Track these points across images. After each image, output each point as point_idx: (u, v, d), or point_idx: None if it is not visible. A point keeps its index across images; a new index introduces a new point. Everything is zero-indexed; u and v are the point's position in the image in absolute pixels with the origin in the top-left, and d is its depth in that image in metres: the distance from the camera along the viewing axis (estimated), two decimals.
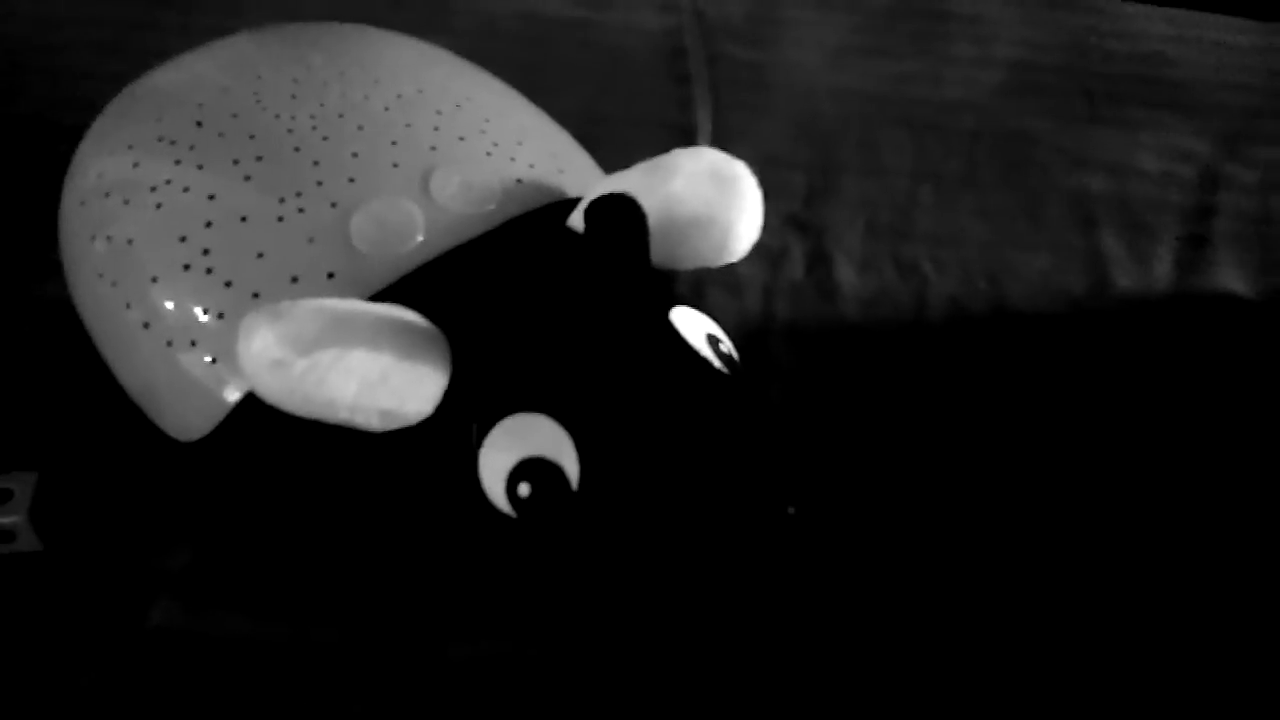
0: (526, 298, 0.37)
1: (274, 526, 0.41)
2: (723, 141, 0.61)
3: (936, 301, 0.55)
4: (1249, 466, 0.48)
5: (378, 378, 0.33)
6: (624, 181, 0.39)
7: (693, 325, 0.37)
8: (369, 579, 0.40)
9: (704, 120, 0.63)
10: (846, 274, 0.56)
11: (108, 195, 0.42)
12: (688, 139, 0.62)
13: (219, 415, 0.39)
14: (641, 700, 0.38)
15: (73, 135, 0.47)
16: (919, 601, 0.42)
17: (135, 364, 0.41)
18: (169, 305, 0.39)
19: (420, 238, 0.39)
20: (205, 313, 0.39)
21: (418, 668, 0.38)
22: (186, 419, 0.40)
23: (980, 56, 0.69)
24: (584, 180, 0.45)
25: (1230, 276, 0.57)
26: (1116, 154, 0.63)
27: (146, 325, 0.40)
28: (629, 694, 0.38)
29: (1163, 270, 0.57)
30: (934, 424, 0.49)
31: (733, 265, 0.54)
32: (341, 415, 0.33)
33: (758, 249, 0.55)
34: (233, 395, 0.38)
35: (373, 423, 0.34)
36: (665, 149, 0.39)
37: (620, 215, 0.36)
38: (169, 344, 0.39)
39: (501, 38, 0.66)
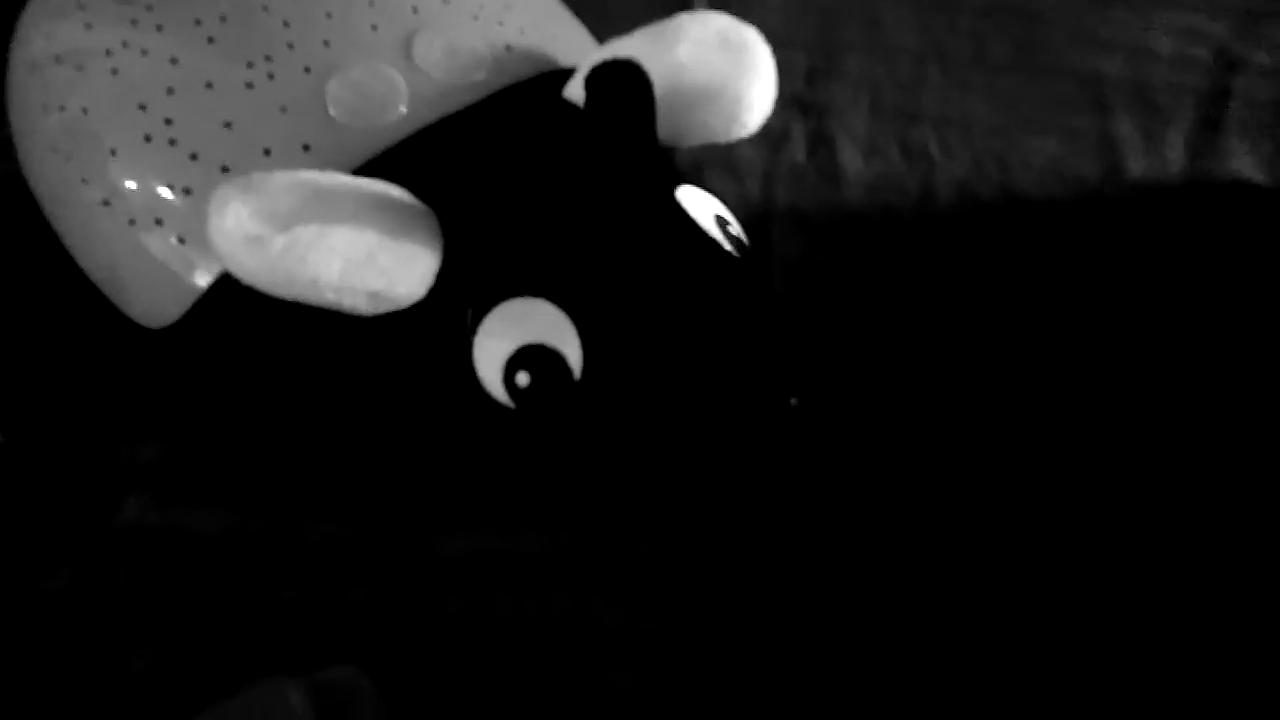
0: (522, 173, 0.34)
1: (253, 417, 0.38)
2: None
3: (944, 187, 0.52)
4: (1256, 351, 0.47)
5: (364, 256, 0.30)
6: (625, 48, 0.36)
7: (700, 205, 0.35)
8: (355, 471, 0.38)
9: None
10: (850, 157, 0.53)
11: (58, 61, 0.39)
12: (685, 7, 0.58)
13: (189, 300, 0.36)
14: (633, 597, 0.37)
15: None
16: (918, 499, 0.41)
17: (96, 245, 0.38)
18: (130, 181, 0.36)
19: (403, 108, 0.36)
20: (170, 189, 0.36)
21: (404, 562, 0.37)
22: (154, 304, 0.37)
23: None
24: (578, 49, 0.42)
25: (1244, 163, 0.55)
26: (1130, 35, 0.60)
27: (106, 203, 0.37)
28: (620, 592, 0.37)
29: (1175, 155, 0.55)
30: (940, 312, 0.47)
31: (732, 148, 0.52)
32: (326, 296, 0.30)
33: (758, 131, 0.53)
34: (203, 278, 0.35)
35: (360, 305, 0.31)
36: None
37: (624, 83, 0.33)
38: (131, 223, 0.36)
39: None
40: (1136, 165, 0.54)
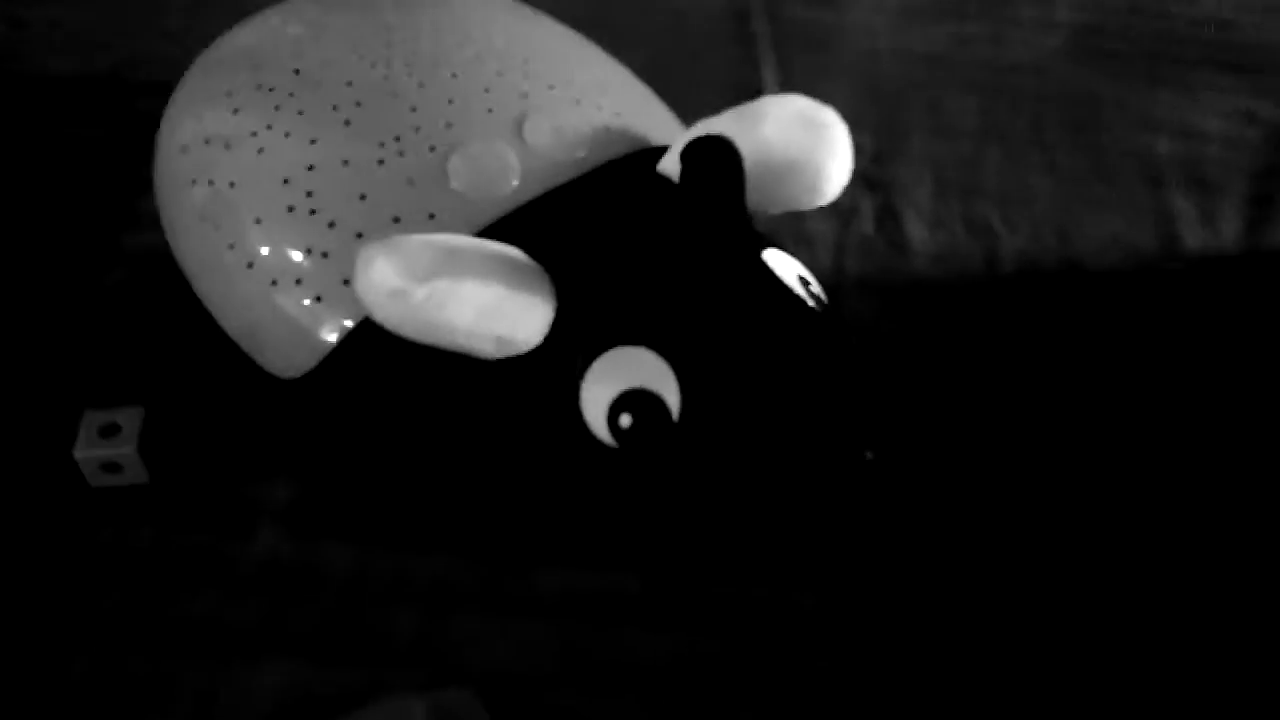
0: (623, 237, 0.38)
1: (376, 459, 0.42)
2: None
3: (1007, 257, 0.55)
4: None
5: (493, 305, 0.34)
6: (715, 126, 0.40)
7: (785, 266, 0.38)
8: (471, 509, 0.41)
9: (770, 81, 0.64)
10: (917, 230, 0.56)
11: (208, 142, 0.43)
12: (754, 99, 0.62)
13: (321, 352, 0.40)
14: (722, 635, 0.39)
15: (151, 90, 0.49)
16: (985, 552, 0.43)
17: (237, 304, 0.42)
18: (272, 246, 0.40)
19: (516, 181, 0.40)
20: (309, 252, 0.40)
21: (507, 595, 0.39)
22: (288, 356, 0.41)
23: (1042, 18, 0.69)
24: (667, 130, 0.46)
25: None
26: (1181, 115, 0.64)
27: (250, 266, 0.41)
28: (712, 630, 0.39)
29: (1231, 230, 0.57)
30: (1007, 378, 0.50)
31: (804, 221, 0.56)
32: (459, 340, 0.34)
33: (829, 206, 0.56)
34: (334, 333, 0.39)
35: (488, 349, 0.35)
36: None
37: (717, 156, 0.37)
38: (273, 283, 0.40)
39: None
40: (1193, 238, 0.57)
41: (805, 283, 0.39)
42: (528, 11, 0.50)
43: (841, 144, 0.40)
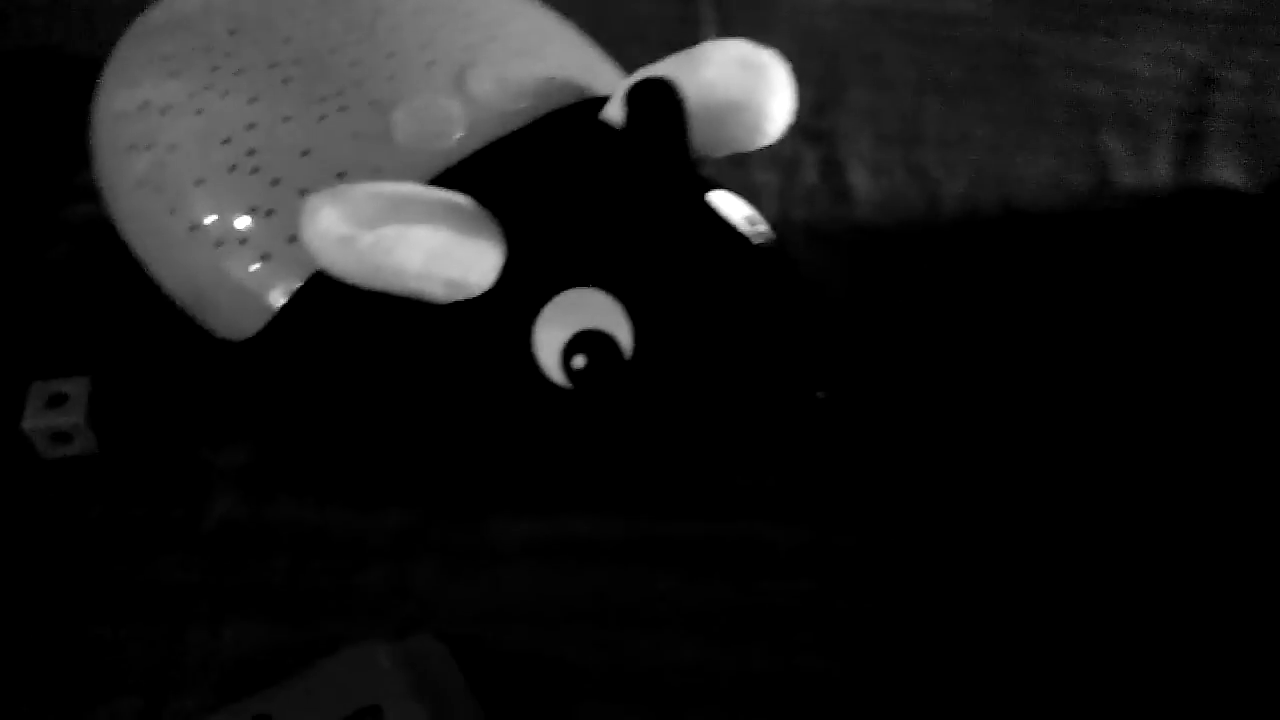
0: (570, 182, 0.38)
1: (329, 415, 0.42)
2: None
3: (948, 202, 0.56)
4: (1245, 351, 0.50)
5: (441, 249, 0.34)
6: (656, 71, 0.40)
7: (731, 206, 0.39)
8: (428, 460, 0.41)
9: (711, 37, 0.64)
10: (859, 178, 0.57)
11: (144, 107, 0.43)
12: None
13: (270, 312, 0.40)
14: (685, 572, 0.40)
15: (83, 63, 0.48)
16: (925, 490, 0.44)
17: (182, 269, 0.42)
18: (215, 208, 0.40)
19: (461, 133, 0.40)
20: (253, 211, 0.39)
21: (463, 549, 0.40)
22: (237, 318, 0.41)
23: None
24: (610, 80, 0.46)
25: (1225, 172, 0.59)
26: (1111, 60, 0.65)
27: (193, 229, 0.40)
28: (670, 566, 0.40)
29: (1162, 167, 0.59)
30: (948, 316, 0.51)
31: (749, 173, 0.56)
32: (410, 284, 0.34)
33: (772, 157, 0.57)
34: (283, 292, 0.39)
35: (438, 292, 0.35)
36: None
37: (660, 98, 0.37)
38: (218, 244, 0.40)
39: None
40: (1126, 177, 0.58)
41: (753, 221, 0.39)
42: None
43: (781, 83, 0.40)
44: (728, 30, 0.65)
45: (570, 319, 0.36)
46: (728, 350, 0.36)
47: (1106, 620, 0.40)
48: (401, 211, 0.34)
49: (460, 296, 0.35)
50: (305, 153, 0.40)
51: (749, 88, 0.40)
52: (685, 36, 0.64)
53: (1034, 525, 0.43)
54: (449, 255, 0.34)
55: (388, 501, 0.41)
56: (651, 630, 0.38)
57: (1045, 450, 0.46)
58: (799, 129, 0.58)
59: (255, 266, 0.39)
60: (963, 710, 0.38)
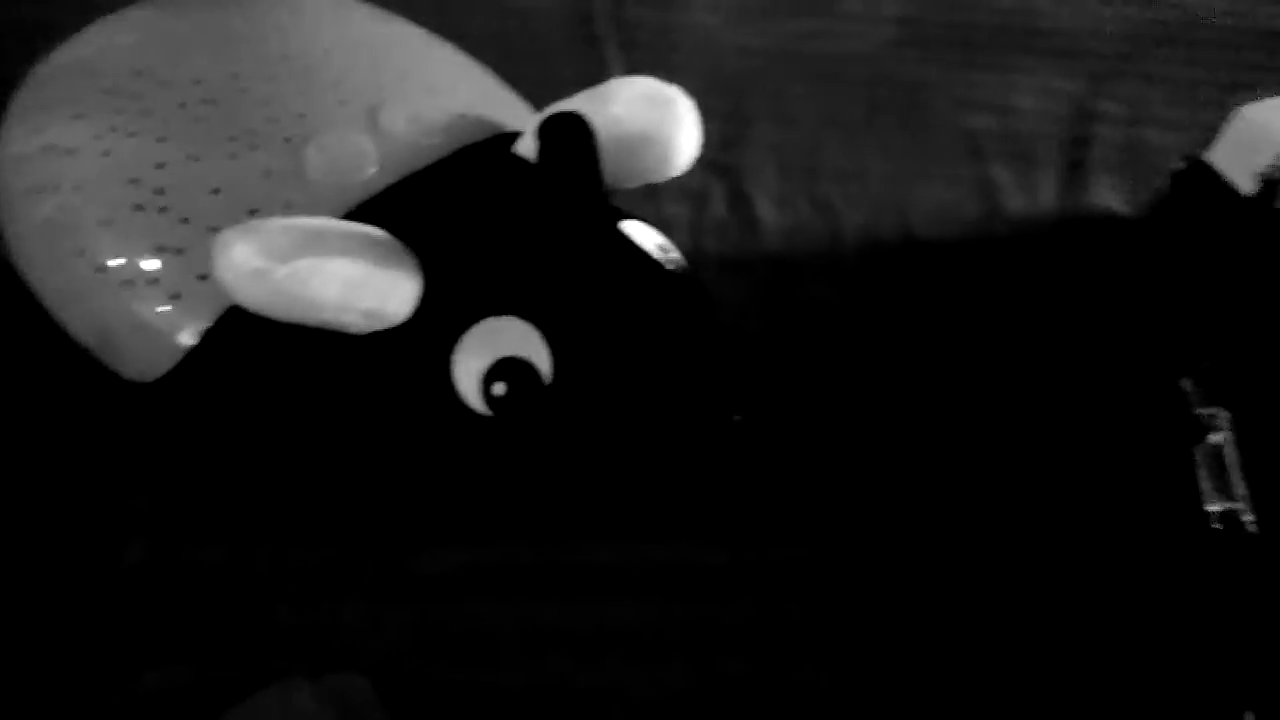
0: (485, 214, 0.39)
1: (247, 451, 0.41)
2: None
3: (850, 232, 0.59)
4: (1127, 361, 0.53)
5: (358, 280, 0.34)
6: (566, 107, 0.42)
7: (644, 235, 0.40)
8: (342, 493, 0.41)
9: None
10: (766, 210, 0.59)
11: (48, 149, 0.42)
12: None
13: (180, 351, 0.39)
14: (592, 600, 0.40)
15: None
16: (842, 512, 0.45)
17: (89, 311, 0.41)
18: (123, 248, 0.40)
19: (373, 168, 0.41)
20: (162, 250, 0.39)
21: (391, 579, 0.40)
22: (146, 359, 0.40)
23: (869, 13, 0.73)
24: (520, 116, 0.47)
25: (1107, 197, 0.62)
26: (997, 95, 0.68)
27: (100, 270, 0.40)
28: (580, 595, 0.40)
29: (1047, 194, 0.62)
30: (857, 343, 0.53)
31: (661, 206, 0.58)
32: (327, 315, 0.34)
33: (682, 190, 0.58)
34: (194, 331, 0.39)
35: (357, 323, 0.35)
36: None
37: (572, 131, 0.38)
38: (126, 285, 0.39)
39: (404, 4, 0.67)
40: (1015, 205, 0.61)
41: (665, 250, 0.40)
42: (377, 11, 0.51)
43: (687, 117, 0.42)
44: (634, 72, 0.67)
45: (489, 347, 0.36)
46: (645, 374, 0.37)
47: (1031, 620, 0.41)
48: (316, 244, 0.34)
49: (378, 326, 0.36)
50: (215, 190, 0.40)
51: (656, 121, 0.41)
52: (593, 78, 0.66)
53: (949, 536, 0.45)
54: (366, 285, 0.34)
55: (306, 540, 0.40)
56: (578, 653, 0.38)
57: (954, 462, 0.47)
58: (707, 163, 0.61)
59: (165, 306, 0.39)
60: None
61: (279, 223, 0.35)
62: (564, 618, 0.39)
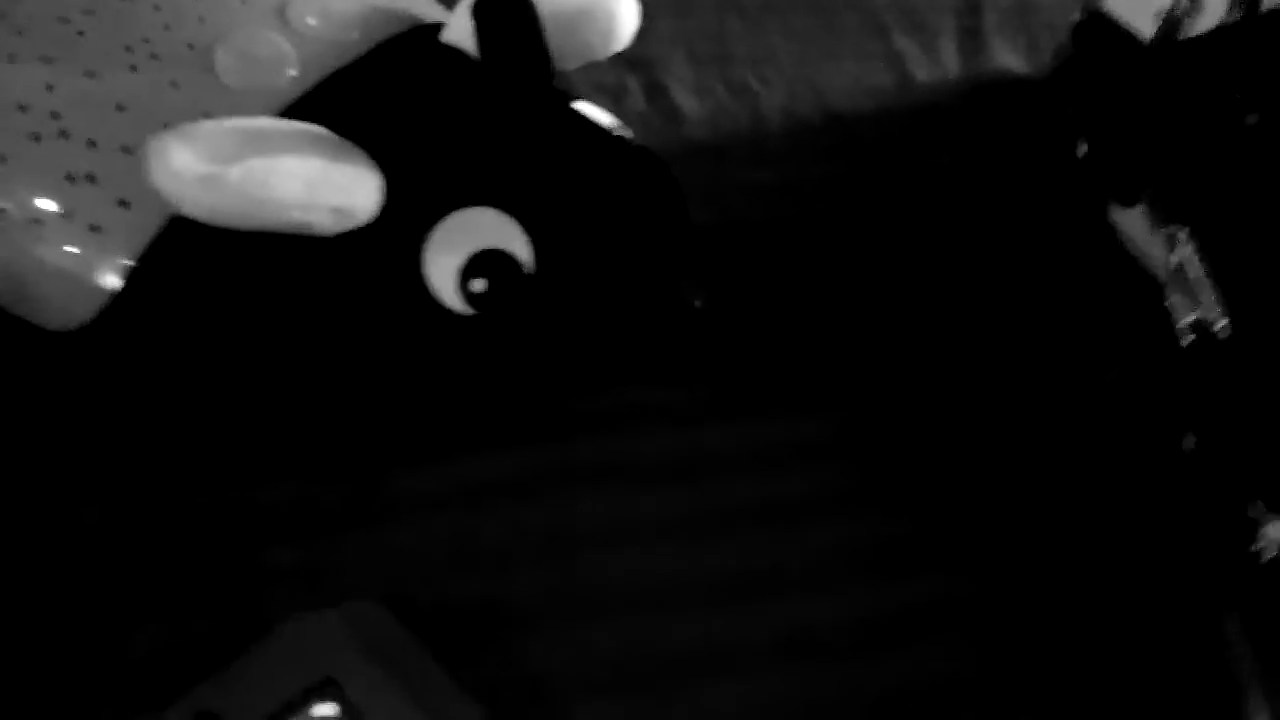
0: (430, 106, 0.36)
1: (201, 386, 0.37)
2: None
3: (770, 114, 0.58)
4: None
5: (320, 176, 0.31)
6: None
7: (599, 115, 0.38)
8: (316, 420, 0.38)
9: None
10: (684, 99, 0.58)
11: None
12: None
13: (111, 288, 0.35)
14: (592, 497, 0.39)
15: None
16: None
17: None
18: (25, 183, 0.35)
19: (293, 69, 0.37)
20: (71, 180, 0.35)
21: (381, 508, 0.37)
22: (70, 303, 0.36)
23: None
24: (434, 8, 0.44)
25: (1007, 58, 0.63)
26: None
27: (1, 212, 0.35)
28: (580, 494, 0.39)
29: (950, 61, 0.63)
30: (795, 229, 0.52)
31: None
32: (293, 216, 0.31)
33: (598, 86, 0.56)
34: (124, 258, 0.35)
35: (325, 222, 0.32)
36: None
37: (511, 10, 0.35)
38: (36, 222, 0.35)
39: None
40: (922, 73, 0.62)
41: (622, 129, 0.38)
42: None
43: None
44: None
45: (462, 241, 0.34)
46: (622, 254, 0.36)
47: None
48: (262, 143, 0.31)
49: (348, 225, 0.33)
50: (121, 108, 0.36)
51: None
52: None
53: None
54: (328, 182, 0.31)
55: (283, 475, 0.37)
56: (592, 549, 0.37)
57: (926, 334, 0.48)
58: (619, 58, 0.59)
59: (85, 239, 0.35)
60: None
61: (216, 124, 0.31)
62: (567, 520, 0.38)
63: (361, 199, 0.33)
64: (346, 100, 0.36)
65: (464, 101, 0.36)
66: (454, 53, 0.39)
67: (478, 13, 0.36)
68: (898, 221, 0.53)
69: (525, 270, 0.34)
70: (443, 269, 0.34)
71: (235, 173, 0.30)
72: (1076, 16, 0.58)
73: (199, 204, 0.30)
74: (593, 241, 0.35)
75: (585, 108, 0.38)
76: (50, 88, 0.36)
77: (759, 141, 0.56)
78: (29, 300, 0.37)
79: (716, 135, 0.56)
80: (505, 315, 0.34)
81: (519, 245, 0.34)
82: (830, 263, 0.50)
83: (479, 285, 0.34)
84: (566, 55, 0.40)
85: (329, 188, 0.32)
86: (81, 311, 0.36)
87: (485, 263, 0.34)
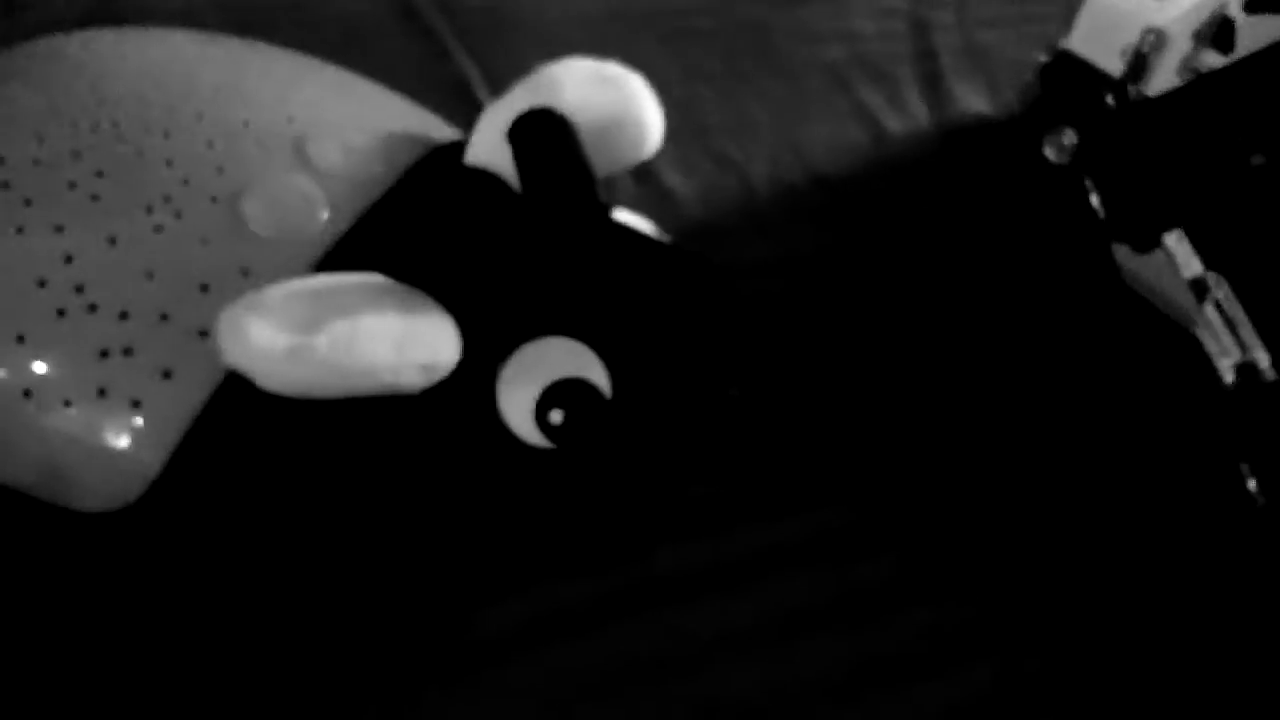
0: (477, 236, 0.35)
1: (262, 555, 0.35)
2: (498, 83, 0.60)
3: (759, 183, 0.58)
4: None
5: (404, 334, 0.30)
6: (511, 105, 0.38)
7: (640, 223, 0.37)
8: (395, 571, 0.36)
9: (470, 66, 0.62)
10: (673, 178, 0.57)
11: None
12: (465, 89, 0.60)
13: (156, 463, 0.33)
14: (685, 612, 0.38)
15: None
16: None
17: (21, 443, 0.34)
18: (51, 362, 0.33)
19: (325, 211, 0.36)
20: (104, 355, 0.33)
21: (470, 656, 0.36)
22: (108, 483, 0.34)
23: None
24: (441, 127, 0.43)
25: (971, 101, 0.65)
26: (837, 23, 0.69)
27: (27, 394, 0.33)
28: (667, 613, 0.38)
29: (917, 109, 0.64)
30: (800, 296, 0.52)
31: None
32: (384, 380, 0.30)
33: None
34: (171, 433, 0.33)
35: (415, 380, 0.31)
36: (451, 105, 0.38)
37: (547, 128, 0.35)
38: (66, 405, 0.33)
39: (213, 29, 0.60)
40: (893, 124, 0.63)
41: (661, 236, 0.38)
42: (233, 41, 0.45)
43: (647, 94, 0.39)
44: (484, 56, 0.63)
45: (534, 374, 0.33)
46: (693, 370, 0.35)
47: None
48: (338, 304, 0.29)
49: (434, 380, 0.31)
50: (150, 274, 0.34)
51: (620, 102, 0.39)
52: (444, 72, 0.62)
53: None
54: (414, 337, 0.30)
55: (359, 628, 0.35)
56: (696, 669, 0.36)
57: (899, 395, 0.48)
58: None
59: (122, 416, 0.33)
60: None
61: (276, 291, 0.30)
62: (656, 642, 0.37)
63: (445, 351, 0.32)
64: (390, 241, 0.35)
65: (512, 229, 0.35)
66: (485, 176, 0.38)
67: (515, 135, 0.35)
68: (896, 285, 0.53)
69: (604, 396, 0.33)
70: (517, 404, 0.33)
71: (322, 341, 0.28)
72: (1042, 57, 0.59)
73: (286, 379, 0.29)
74: (667, 361, 0.34)
75: (626, 216, 0.37)
76: (69, 259, 0.34)
77: (753, 214, 0.56)
78: (64, 483, 0.34)
79: (710, 212, 0.56)
80: (586, 444, 0.33)
81: (596, 372, 0.33)
82: (837, 338, 0.50)
83: (557, 417, 0.33)
84: (597, 166, 0.39)
85: (416, 345, 0.30)
86: (123, 492, 0.34)
87: (562, 393, 0.33)
